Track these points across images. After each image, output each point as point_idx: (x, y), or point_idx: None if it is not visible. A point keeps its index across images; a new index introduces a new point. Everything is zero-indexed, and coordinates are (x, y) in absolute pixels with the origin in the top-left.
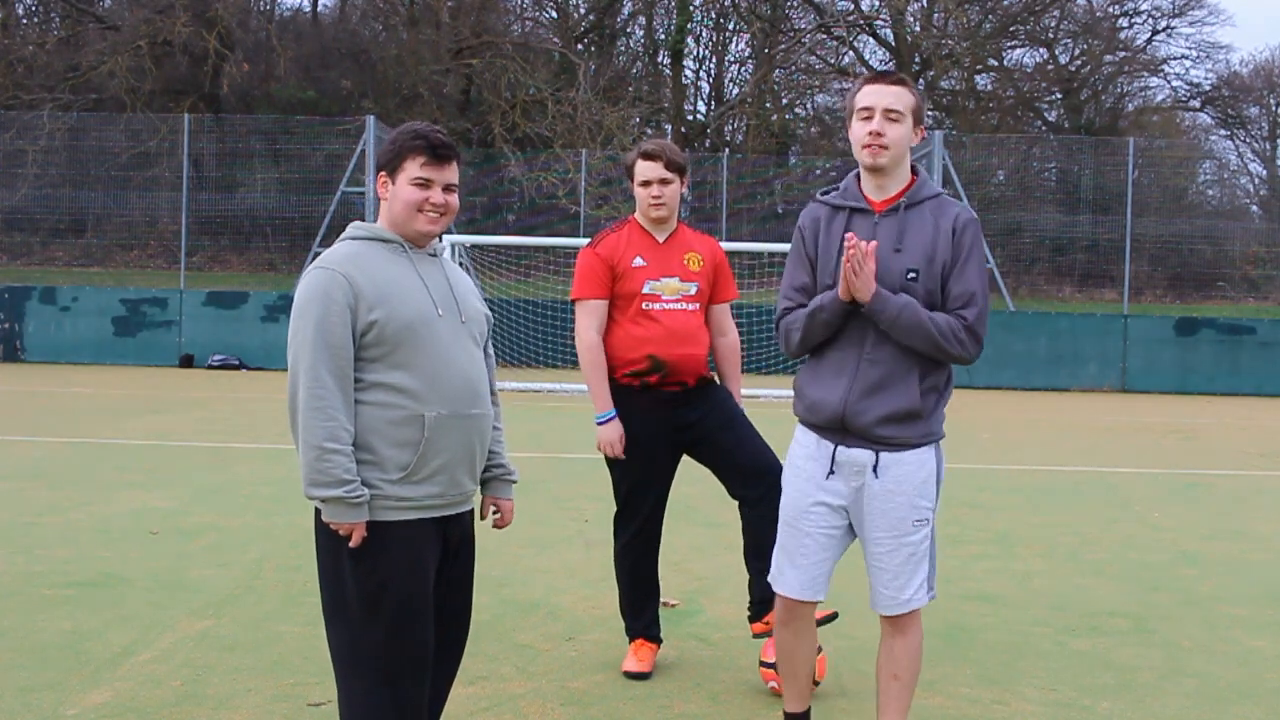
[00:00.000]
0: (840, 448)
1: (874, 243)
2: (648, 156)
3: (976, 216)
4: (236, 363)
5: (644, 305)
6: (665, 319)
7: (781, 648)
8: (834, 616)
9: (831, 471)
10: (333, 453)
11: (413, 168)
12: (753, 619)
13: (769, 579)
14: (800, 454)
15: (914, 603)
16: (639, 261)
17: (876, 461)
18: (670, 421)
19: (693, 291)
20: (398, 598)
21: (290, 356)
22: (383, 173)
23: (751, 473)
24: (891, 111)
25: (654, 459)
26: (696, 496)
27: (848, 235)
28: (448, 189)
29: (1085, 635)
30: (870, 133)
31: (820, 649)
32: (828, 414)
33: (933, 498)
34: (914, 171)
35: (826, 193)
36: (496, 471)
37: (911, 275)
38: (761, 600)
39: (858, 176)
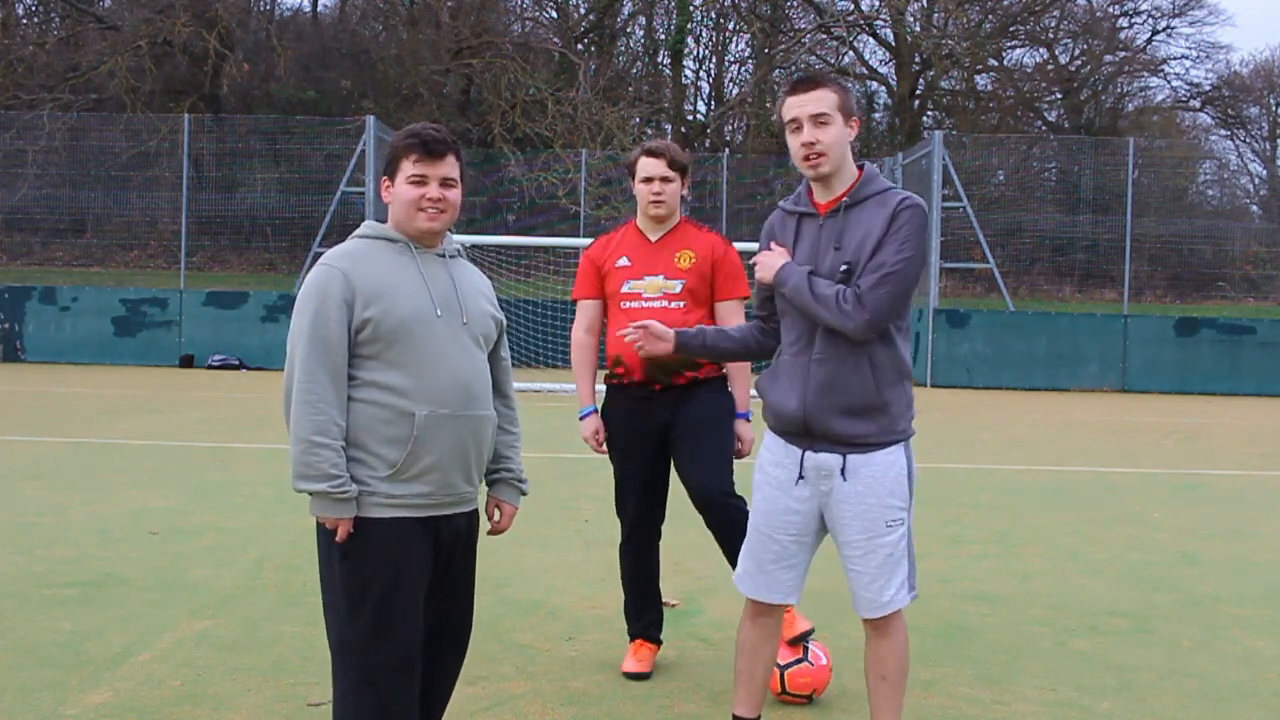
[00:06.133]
0: (808, 453)
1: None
2: (651, 154)
3: (922, 205)
4: (236, 363)
5: (623, 305)
6: (640, 318)
7: (744, 646)
8: (810, 633)
9: (801, 477)
10: (320, 447)
11: (408, 166)
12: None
13: (736, 581)
14: (769, 459)
15: (895, 604)
16: (623, 261)
17: (844, 465)
18: (650, 420)
19: (677, 289)
20: (379, 596)
21: (288, 350)
22: (385, 177)
23: (698, 497)
24: (818, 116)
25: (634, 457)
26: None
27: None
28: (445, 183)
29: (1085, 635)
30: (804, 144)
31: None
32: (788, 417)
33: (905, 497)
34: (861, 168)
35: (786, 200)
36: (505, 475)
37: (844, 268)
38: None
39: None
